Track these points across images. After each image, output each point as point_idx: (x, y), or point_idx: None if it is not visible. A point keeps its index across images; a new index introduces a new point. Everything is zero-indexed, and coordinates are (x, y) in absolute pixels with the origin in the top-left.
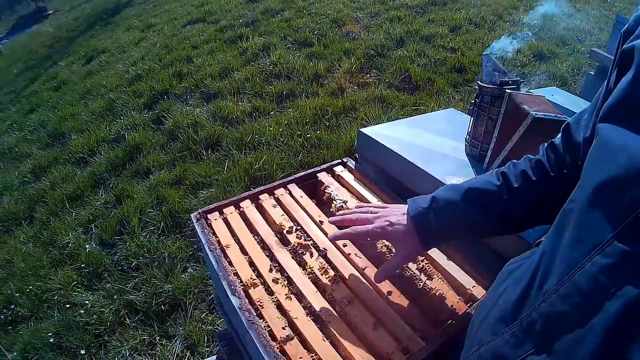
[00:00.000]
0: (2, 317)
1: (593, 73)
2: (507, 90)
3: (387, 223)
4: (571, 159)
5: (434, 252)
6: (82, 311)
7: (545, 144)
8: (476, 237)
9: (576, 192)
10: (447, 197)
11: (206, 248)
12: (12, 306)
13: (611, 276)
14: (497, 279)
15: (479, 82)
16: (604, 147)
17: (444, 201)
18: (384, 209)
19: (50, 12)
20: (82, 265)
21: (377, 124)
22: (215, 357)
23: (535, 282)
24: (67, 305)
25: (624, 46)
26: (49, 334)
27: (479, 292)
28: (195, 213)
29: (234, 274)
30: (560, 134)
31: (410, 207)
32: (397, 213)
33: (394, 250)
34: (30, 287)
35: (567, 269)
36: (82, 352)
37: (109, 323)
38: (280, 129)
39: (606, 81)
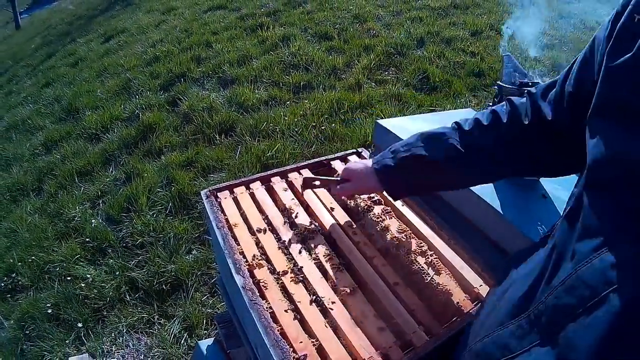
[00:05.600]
0: (2, 284)
1: None
2: (526, 92)
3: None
4: (533, 117)
5: (443, 248)
6: (82, 285)
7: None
8: (439, 179)
9: (580, 182)
10: (403, 141)
11: (214, 225)
12: (13, 275)
13: (619, 272)
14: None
15: (498, 82)
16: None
17: (399, 144)
18: None
19: None
20: (87, 240)
21: None
22: (212, 339)
23: (545, 276)
24: (68, 278)
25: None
26: (48, 305)
27: (485, 290)
28: (206, 190)
29: (239, 252)
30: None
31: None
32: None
33: None
34: (33, 258)
35: (574, 264)
36: (79, 325)
37: (108, 298)
38: (296, 119)
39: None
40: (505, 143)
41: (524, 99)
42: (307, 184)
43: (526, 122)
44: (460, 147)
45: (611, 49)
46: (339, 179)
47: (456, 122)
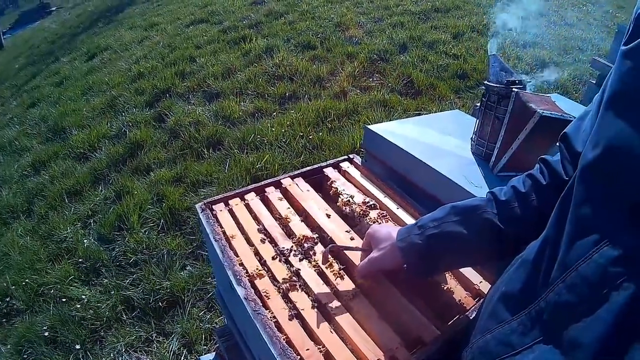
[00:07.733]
0: None
1: (594, 82)
2: (514, 90)
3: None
4: (574, 169)
5: None
6: (78, 306)
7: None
8: (470, 258)
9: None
10: (431, 215)
11: (211, 238)
12: (8, 299)
13: (619, 267)
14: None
15: (486, 81)
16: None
17: (428, 218)
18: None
19: (54, 8)
20: (80, 260)
21: None
22: (213, 353)
23: (541, 271)
24: (63, 300)
25: None
26: (44, 328)
27: (485, 287)
28: (201, 204)
29: (239, 264)
30: (558, 144)
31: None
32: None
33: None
34: (27, 281)
35: (573, 259)
36: (77, 346)
37: (105, 318)
38: (283, 130)
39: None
40: (549, 206)
41: (558, 156)
42: (334, 252)
43: (567, 178)
44: (497, 222)
45: (628, 37)
46: (363, 248)
47: (491, 192)
